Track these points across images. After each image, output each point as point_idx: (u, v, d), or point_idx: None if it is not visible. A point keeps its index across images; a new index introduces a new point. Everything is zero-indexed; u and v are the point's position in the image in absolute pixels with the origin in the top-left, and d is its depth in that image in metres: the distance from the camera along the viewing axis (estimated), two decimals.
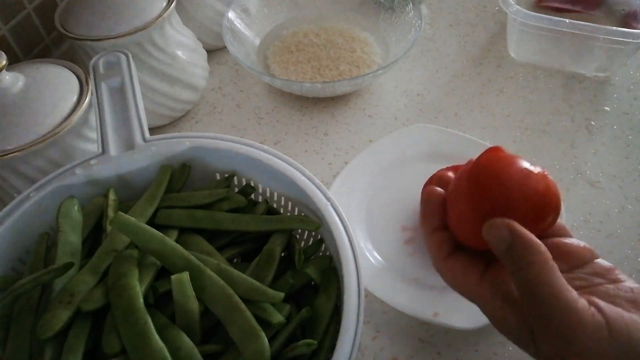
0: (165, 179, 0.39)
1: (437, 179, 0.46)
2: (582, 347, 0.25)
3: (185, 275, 0.31)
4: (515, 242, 0.27)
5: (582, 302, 0.26)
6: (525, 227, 0.28)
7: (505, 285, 0.29)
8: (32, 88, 0.43)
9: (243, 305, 0.30)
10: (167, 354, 0.28)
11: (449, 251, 0.32)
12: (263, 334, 0.29)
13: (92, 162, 0.38)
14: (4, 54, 0.41)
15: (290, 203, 0.39)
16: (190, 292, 0.30)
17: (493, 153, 0.31)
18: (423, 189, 0.47)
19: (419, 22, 0.62)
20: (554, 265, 0.26)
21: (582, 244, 0.31)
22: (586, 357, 0.25)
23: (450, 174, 0.41)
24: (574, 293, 0.26)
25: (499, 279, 0.30)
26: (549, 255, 0.27)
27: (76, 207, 0.36)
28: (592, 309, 0.25)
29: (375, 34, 0.67)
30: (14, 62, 0.48)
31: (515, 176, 0.29)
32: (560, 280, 0.26)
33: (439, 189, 0.34)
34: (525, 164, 0.30)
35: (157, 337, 0.28)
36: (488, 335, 0.41)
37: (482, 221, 0.29)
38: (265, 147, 0.39)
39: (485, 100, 0.61)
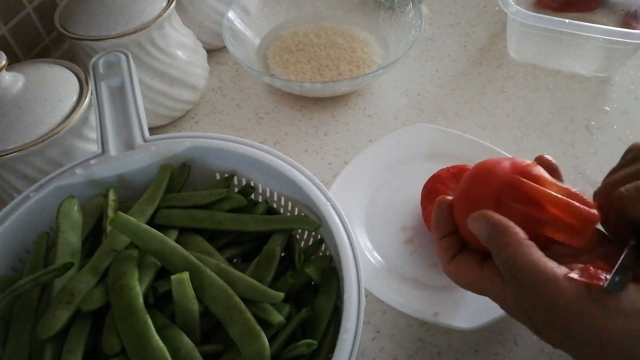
0: (165, 179, 0.39)
1: (437, 179, 0.46)
2: (562, 309, 0.26)
3: (185, 275, 0.30)
4: (493, 229, 0.29)
5: (560, 269, 0.27)
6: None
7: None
8: (32, 88, 0.43)
9: (243, 305, 0.30)
10: (167, 354, 0.28)
11: (454, 254, 0.33)
12: (263, 334, 0.29)
13: (92, 162, 0.38)
14: (4, 54, 0.41)
15: (290, 203, 0.39)
16: (190, 292, 0.30)
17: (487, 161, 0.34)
18: (423, 188, 0.47)
19: (419, 22, 0.62)
20: (531, 244, 0.28)
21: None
22: (569, 320, 0.26)
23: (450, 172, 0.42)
24: (550, 263, 0.27)
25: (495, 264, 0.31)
26: (523, 235, 0.29)
27: (76, 207, 0.36)
28: (572, 273, 0.27)
29: (375, 34, 0.67)
30: (14, 62, 0.48)
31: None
32: (537, 253, 0.28)
33: (448, 197, 0.35)
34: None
35: (157, 337, 0.28)
36: (488, 335, 0.41)
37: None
38: (265, 147, 0.39)
39: (485, 100, 0.61)
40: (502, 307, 0.30)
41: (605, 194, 0.31)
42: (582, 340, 0.26)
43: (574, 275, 0.26)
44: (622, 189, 0.30)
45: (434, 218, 0.35)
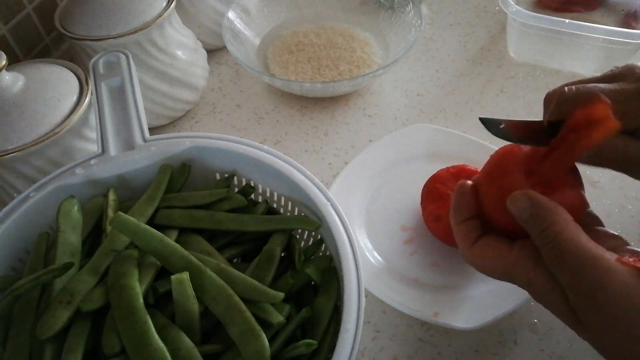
0: (165, 179, 0.39)
1: (437, 179, 0.46)
2: (612, 292, 0.25)
3: (185, 275, 0.30)
4: (536, 208, 0.28)
5: (609, 253, 0.26)
6: None
7: (534, 248, 0.29)
8: (32, 88, 0.43)
9: (243, 305, 0.30)
10: (167, 354, 0.28)
11: (475, 238, 0.32)
12: (263, 334, 0.29)
13: (92, 162, 0.38)
14: (4, 54, 0.41)
15: (290, 203, 0.39)
16: (190, 292, 0.30)
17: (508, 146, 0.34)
18: (423, 188, 0.47)
19: (419, 22, 0.62)
20: (577, 226, 0.27)
21: (612, 232, 0.31)
22: (619, 303, 0.25)
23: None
24: (599, 247, 0.26)
25: (528, 245, 0.30)
26: (570, 216, 0.28)
27: (76, 207, 0.36)
28: (625, 257, 0.26)
29: (375, 34, 0.67)
30: (14, 62, 0.48)
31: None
32: (584, 236, 0.27)
33: (468, 181, 0.34)
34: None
35: (157, 337, 0.28)
36: (488, 335, 0.41)
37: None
38: (265, 147, 0.39)
39: (485, 100, 0.61)
40: (528, 291, 0.29)
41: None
42: (625, 328, 0.25)
43: (628, 259, 0.25)
44: (565, 87, 0.30)
45: (454, 202, 0.33)
